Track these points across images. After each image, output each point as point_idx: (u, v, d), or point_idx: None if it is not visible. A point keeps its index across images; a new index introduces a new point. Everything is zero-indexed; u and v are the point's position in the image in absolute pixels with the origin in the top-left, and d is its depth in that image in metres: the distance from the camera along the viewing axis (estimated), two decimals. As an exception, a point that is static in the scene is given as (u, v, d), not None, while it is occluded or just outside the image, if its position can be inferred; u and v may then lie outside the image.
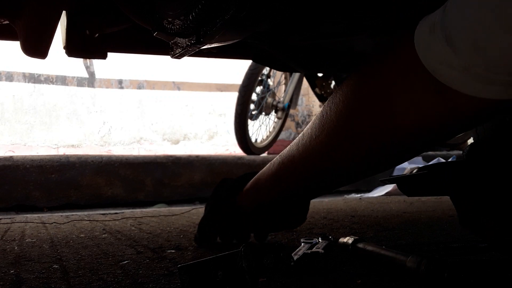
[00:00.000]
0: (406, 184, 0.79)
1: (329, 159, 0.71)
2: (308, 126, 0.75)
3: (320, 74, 1.95)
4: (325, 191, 0.88)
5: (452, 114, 0.57)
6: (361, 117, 0.64)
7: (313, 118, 0.74)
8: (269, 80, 3.50)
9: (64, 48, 1.01)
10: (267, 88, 3.49)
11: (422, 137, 0.62)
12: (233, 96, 3.65)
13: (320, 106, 3.83)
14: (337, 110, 0.67)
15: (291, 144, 0.80)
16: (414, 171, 0.78)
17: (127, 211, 1.97)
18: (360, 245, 0.82)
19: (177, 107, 5.19)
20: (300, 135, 0.77)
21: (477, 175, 0.71)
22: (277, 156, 0.84)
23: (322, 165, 0.73)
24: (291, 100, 3.53)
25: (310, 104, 5.52)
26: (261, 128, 3.61)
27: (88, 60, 4.68)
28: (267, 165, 0.87)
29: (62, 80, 4.77)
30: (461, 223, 0.72)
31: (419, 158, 3.37)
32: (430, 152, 3.75)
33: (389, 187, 2.74)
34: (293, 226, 1.00)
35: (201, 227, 1.00)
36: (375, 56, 0.65)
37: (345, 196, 2.84)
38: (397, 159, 0.72)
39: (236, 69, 4.62)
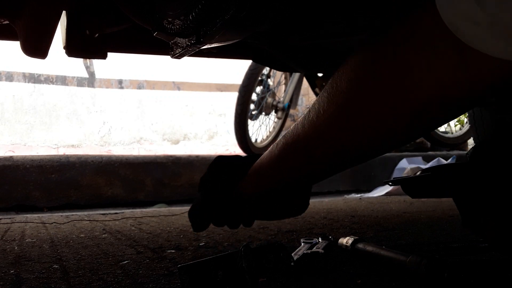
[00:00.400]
0: (410, 186, 0.79)
1: (337, 136, 0.66)
2: (314, 101, 0.69)
3: (320, 74, 1.95)
4: (330, 173, 0.82)
5: (472, 80, 0.50)
6: (375, 88, 0.59)
7: (320, 93, 0.69)
8: (269, 80, 3.50)
9: (64, 48, 1.01)
10: (267, 88, 3.49)
11: (437, 109, 0.56)
12: (233, 96, 3.65)
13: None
14: (348, 80, 0.62)
15: (295, 123, 0.74)
16: (418, 172, 0.78)
17: (127, 211, 1.97)
18: (360, 245, 0.82)
19: (177, 107, 5.19)
20: (305, 111, 0.71)
21: (480, 176, 0.71)
22: (281, 137, 0.79)
23: (329, 142, 0.68)
24: (291, 100, 3.53)
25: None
26: (261, 128, 3.61)
27: (88, 60, 4.68)
28: (269, 148, 0.80)
29: (62, 80, 4.77)
30: (464, 224, 0.72)
31: (419, 158, 3.37)
32: (430, 152, 3.75)
33: (389, 187, 2.73)
34: (295, 214, 0.96)
35: (194, 211, 0.85)
36: (390, 23, 0.59)
37: (345, 196, 2.84)
38: (406, 137, 0.66)
39: (236, 69, 4.62)
